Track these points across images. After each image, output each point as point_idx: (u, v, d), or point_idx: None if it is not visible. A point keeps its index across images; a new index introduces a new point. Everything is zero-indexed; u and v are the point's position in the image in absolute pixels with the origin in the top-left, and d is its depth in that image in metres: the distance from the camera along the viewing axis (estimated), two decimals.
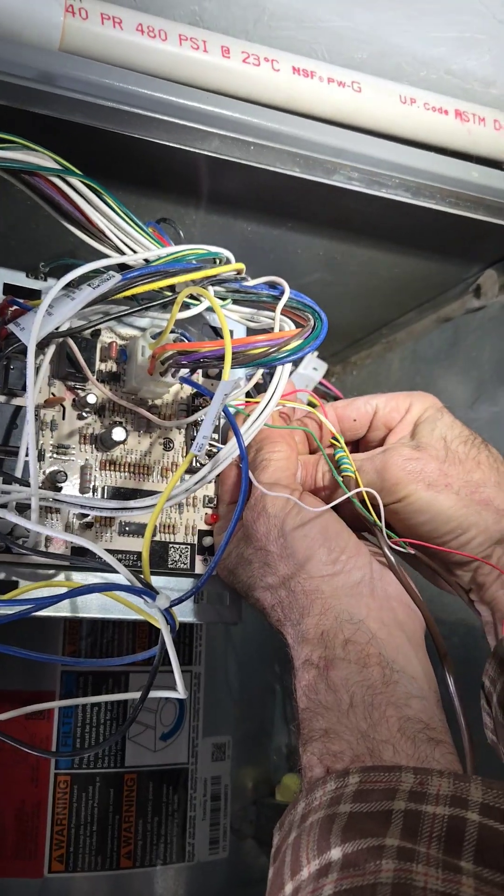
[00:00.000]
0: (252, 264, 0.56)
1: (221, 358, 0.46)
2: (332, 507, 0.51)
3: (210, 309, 0.54)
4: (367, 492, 0.53)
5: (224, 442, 0.57)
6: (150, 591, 0.44)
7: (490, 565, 0.53)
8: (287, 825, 0.42)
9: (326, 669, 0.46)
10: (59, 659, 0.68)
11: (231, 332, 0.57)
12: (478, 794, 0.37)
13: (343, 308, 0.82)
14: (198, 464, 0.56)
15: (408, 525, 0.53)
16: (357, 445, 0.60)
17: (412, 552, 0.53)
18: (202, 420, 0.56)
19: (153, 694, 0.45)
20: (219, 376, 0.56)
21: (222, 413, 0.49)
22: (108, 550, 0.49)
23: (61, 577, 0.51)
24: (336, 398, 0.77)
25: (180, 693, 0.45)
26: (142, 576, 0.46)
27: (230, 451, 0.49)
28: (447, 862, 0.35)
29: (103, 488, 0.55)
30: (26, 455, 0.49)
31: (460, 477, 0.52)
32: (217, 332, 0.62)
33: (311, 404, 0.60)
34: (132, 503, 0.48)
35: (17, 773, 0.67)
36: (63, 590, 0.48)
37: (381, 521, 0.52)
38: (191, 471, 0.56)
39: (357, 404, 0.58)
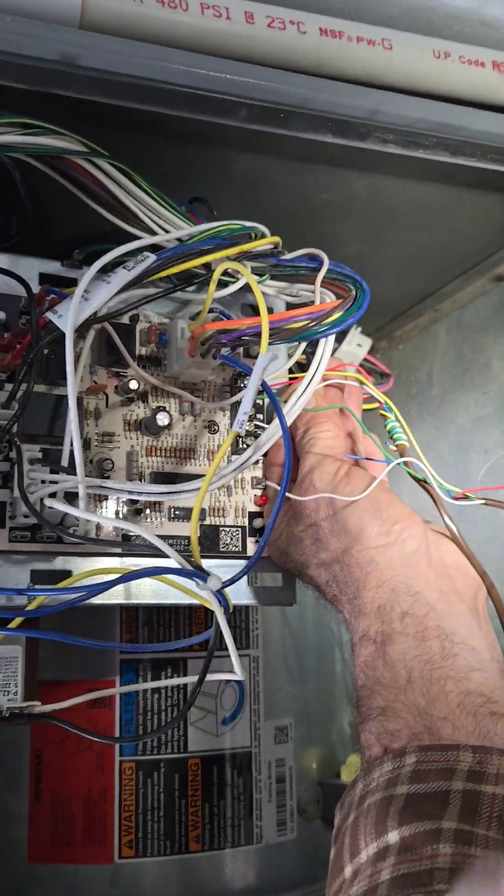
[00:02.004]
0: (290, 240, 0.55)
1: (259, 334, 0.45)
2: None
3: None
4: (413, 462, 0.52)
5: (269, 422, 0.56)
6: (201, 574, 0.43)
7: None
8: (347, 806, 0.42)
9: (384, 644, 0.45)
10: (115, 645, 0.68)
11: (270, 309, 0.56)
12: None
13: (385, 280, 0.80)
14: (243, 444, 0.55)
15: None
16: None
17: (480, 501, 0.53)
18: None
19: (211, 677, 0.45)
20: None
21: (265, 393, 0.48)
22: (159, 536, 0.49)
23: (115, 564, 0.51)
24: (383, 374, 0.76)
25: (238, 675, 0.45)
26: (192, 559, 0.45)
27: (275, 431, 0.47)
28: None
29: (150, 473, 0.54)
30: (72, 444, 0.49)
31: None
32: (255, 310, 0.61)
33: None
34: (178, 487, 0.47)
35: (83, 761, 0.68)
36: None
37: (437, 488, 0.51)
38: (236, 451, 0.56)
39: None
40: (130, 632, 0.70)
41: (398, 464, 0.51)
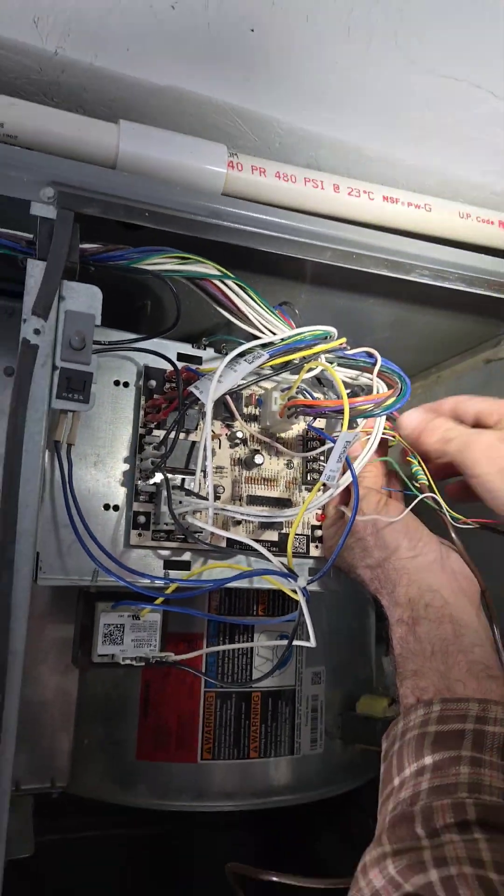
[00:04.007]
0: (340, 325, 0.59)
1: (339, 412, 0.51)
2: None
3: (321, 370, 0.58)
4: (432, 497, 0.56)
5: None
6: (293, 575, 0.49)
7: None
8: (392, 737, 0.45)
9: (413, 625, 0.48)
10: (229, 619, 0.72)
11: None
12: None
13: (404, 355, 0.81)
14: (311, 479, 0.60)
15: (480, 496, 0.50)
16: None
17: (475, 525, 0.55)
18: (321, 453, 0.60)
19: (296, 643, 0.50)
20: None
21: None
22: (253, 539, 0.53)
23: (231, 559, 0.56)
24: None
25: (312, 643, 0.49)
26: (285, 562, 0.51)
27: (346, 479, 0.52)
28: None
29: (247, 496, 0.59)
30: (202, 474, 0.54)
31: None
32: (320, 381, 0.65)
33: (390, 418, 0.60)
34: (280, 513, 0.52)
35: (179, 691, 0.72)
36: (229, 571, 0.53)
37: (448, 515, 0.55)
38: (305, 482, 0.61)
39: (466, 404, 0.55)
40: (214, 600, 0.73)
41: (423, 498, 0.55)
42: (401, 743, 0.44)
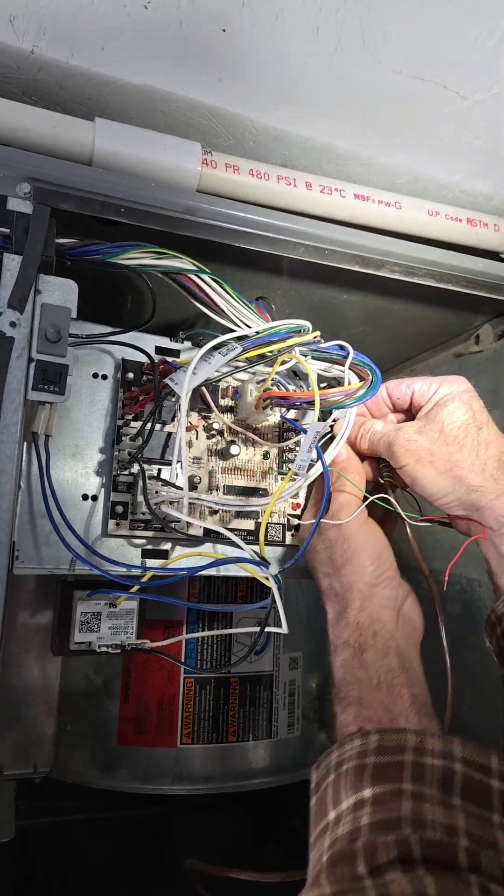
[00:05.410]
0: (317, 319, 0.59)
1: (311, 403, 0.51)
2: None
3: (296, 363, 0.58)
4: (385, 497, 0.55)
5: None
6: (265, 563, 0.49)
7: (454, 526, 0.54)
8: (324, 767, 0.42)
9: (360, 651, 0.47)
10: (204, 606, 0.72)
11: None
12: (459, 750, 0.38)
13: (378, 349, 0.83)
14: (294, 476, 0.60)
15: (410, 484, 0.53)
16: (410, 415, 0.59)
17: (427, 523, 0.55)
18: (295, 444, 0.59)
19: (269, 629, 0.50)
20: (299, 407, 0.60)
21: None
22: (228, 528, 0.53)
23: (206, 548, 0.56)
24: None
25: (284, 630, 0.49)
26: (258, 550, 0.51)
27: (318, 469, 0.52)
28: (445, 801, 0.36)
29: (224, 486, 0.58)
30: (178, 465, 0.53)
31: (444, 457, 0.50)
32: (296, 374, 0.66)
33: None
34: (252, 501, 0.52)
35: (159, 676, 0.72)
36: (204, 559, 0.53)
37: (402, 515, 0.54)
38: (280, 472, 0.61)
39: (401, 387, 0.57)
40: (194, 587, 0.73)
41: (374, 500, 0.54)
42: (336, 774, 0.41)
